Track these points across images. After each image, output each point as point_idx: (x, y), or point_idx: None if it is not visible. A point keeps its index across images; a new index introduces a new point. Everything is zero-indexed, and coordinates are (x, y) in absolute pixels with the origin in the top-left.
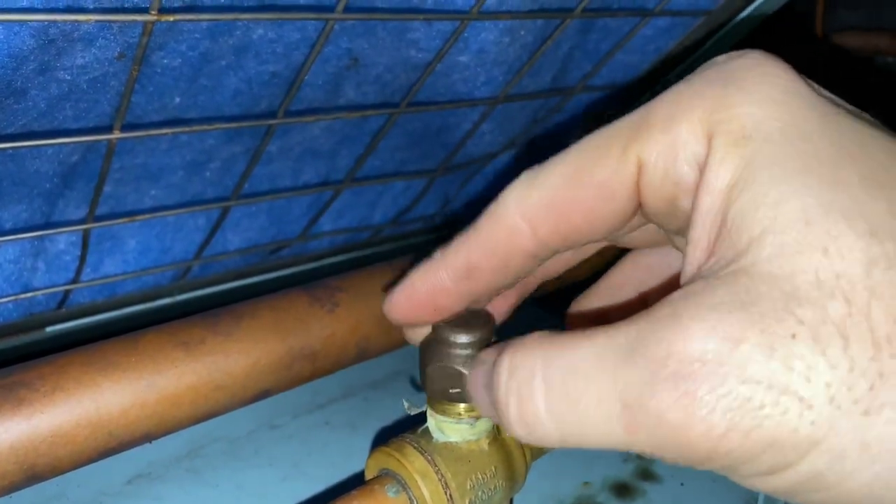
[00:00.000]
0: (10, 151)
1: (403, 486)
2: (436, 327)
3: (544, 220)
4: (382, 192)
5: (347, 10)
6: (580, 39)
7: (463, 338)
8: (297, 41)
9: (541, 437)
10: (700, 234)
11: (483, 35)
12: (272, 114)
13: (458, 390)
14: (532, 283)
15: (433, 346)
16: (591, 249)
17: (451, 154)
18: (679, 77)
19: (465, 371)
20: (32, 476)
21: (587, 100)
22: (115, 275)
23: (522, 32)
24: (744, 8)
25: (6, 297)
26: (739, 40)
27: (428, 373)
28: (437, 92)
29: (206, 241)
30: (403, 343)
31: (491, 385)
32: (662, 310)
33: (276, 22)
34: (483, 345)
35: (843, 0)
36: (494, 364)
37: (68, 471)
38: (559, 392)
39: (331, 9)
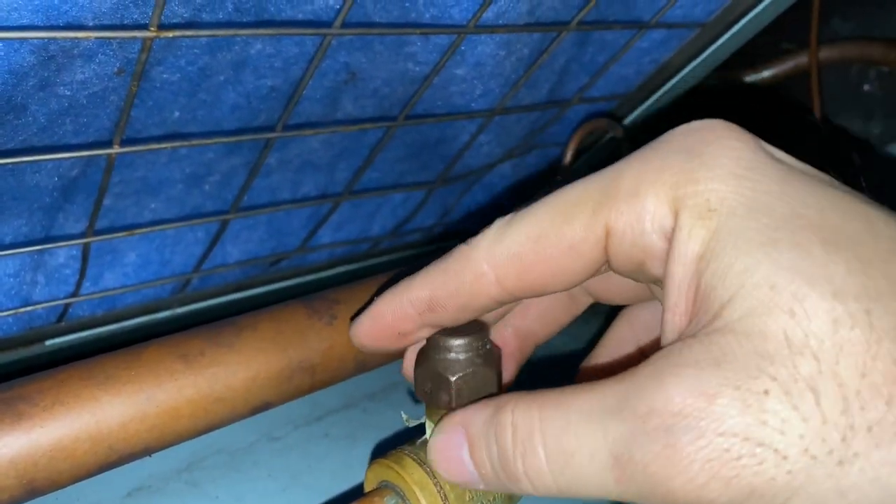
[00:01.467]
0: (11, 166)
1: (402, 497)
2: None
3: (510, 271)
4: (381, 204)
5: (345, 25)
6: (576, 52)
7: (453, 342)
8: (296, 56)
9: (541, 489)
10: (676, 301)
11: (480, 48)
12: (271, 128)
13: (448, 397)
14: (528, 350)
15: (426, 351)
16: (580, 308)
17: (449, 165)
18: (675, 86)
19: (452, 378)
20: (32, 490)
21: (584, 111)
22: (115, 288)
23: (519, 45)
24: (738, 21)
25: (6, 310)
26: (732, 51)
27: (420, 379)
28: (435, 104)
29: (206, 254)
30: (402, 354)
31: (496, 441)
32: (645, 369)
33: (275, 37)
34: (474, 351)
35: (836, 10)
36: (495, 422)
37: (68, 485)
38: (556, 448)
39: (328, 24)
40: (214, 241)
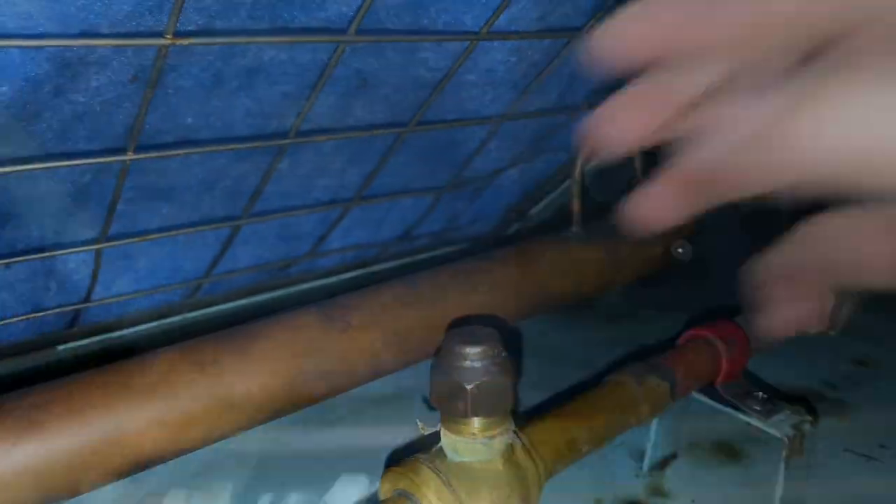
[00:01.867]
0: (26, 173)
1: None
2: (444, 340)
3: None
4: (390, 208)
5: (359, 32)
6: None
7: (469, 351)
8: (308, 63)
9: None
10: None
11: (491, 54)
12: (283, 133)
13: (463, 405)
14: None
15: (442, 360)
16: None
17: (458, 171)
18: None
19: (468, 386)
20: (47, 499)
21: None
22: (127, 293)
23: (530, 51)
24: None
25: (18, 316)
26: None
27: (435, 387)
28: (446, 110)
29: (217, 259)
30: (415, 361)
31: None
32: None
33: (288, 44)
34: (489, 359)
35: None
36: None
37: (82, 493)
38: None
39: (342, 31)
40: (226, 245)
